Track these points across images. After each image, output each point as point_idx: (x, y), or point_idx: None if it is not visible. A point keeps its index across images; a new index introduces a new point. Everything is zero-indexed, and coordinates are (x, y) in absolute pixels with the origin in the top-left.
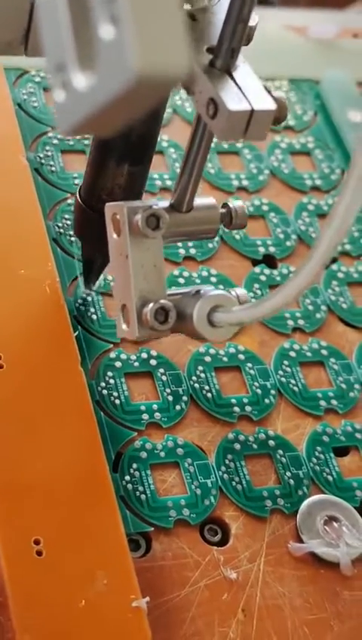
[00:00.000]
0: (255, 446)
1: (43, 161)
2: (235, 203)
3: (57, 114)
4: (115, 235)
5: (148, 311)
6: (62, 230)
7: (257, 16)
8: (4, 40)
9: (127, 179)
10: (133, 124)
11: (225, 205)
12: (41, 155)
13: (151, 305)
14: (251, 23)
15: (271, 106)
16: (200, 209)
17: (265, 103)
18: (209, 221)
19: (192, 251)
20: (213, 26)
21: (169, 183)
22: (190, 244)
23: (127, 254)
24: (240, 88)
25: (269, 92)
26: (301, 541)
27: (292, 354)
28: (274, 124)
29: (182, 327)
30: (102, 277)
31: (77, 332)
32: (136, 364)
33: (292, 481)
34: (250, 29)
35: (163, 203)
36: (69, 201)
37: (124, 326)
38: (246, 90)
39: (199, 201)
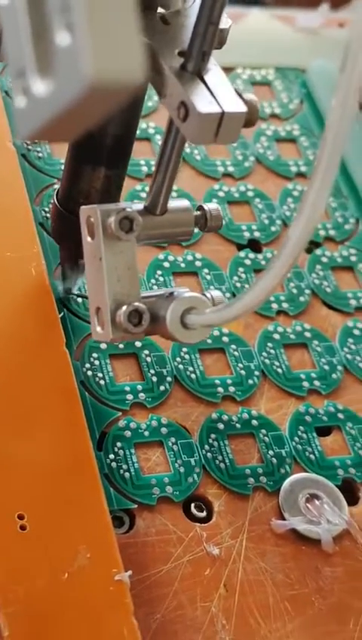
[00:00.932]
0: (238, 426)
1: (30, 147)
2: (210, 206)
3: (18, 119)
4: (89, 238)
5: (122, 313)
6: (48, 215)
7: (230, 20)
8: None
9: (104, 182)
10: (108, 128)
11: (200, 208)
12: (28, 141)
13: (124, 307)
14: (223, 25)
15: (242, 108)
16: (174, 211)
17: (235, 106)
18: (183, 224)
19: None
20: (185, 30)
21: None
22: None
23: (101, 257)
24: (211, 91)
25: (240, 95)
26: (283, 518)
27: (276, 336)
28: (245, 127)
29: (156, 329)
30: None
31: (62, 313)
32: (121, 345)
33: (274, 460)
34: (221, 31)
35: (137, 206)
36: (56, 186)
37: (98, 328)
38: (217, 93)
39: (173, 203)
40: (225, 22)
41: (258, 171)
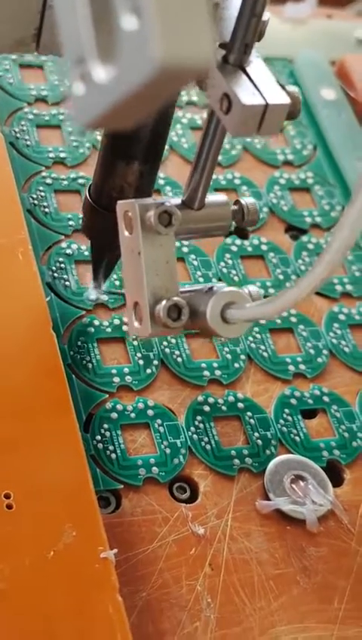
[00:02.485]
0: (224, 408)
1: (18, 135)
2: (247, 200)
3: (75, 107)
4: (126, 233)
5: (161, 308)
6: (36, 202)
7: (269, 13)
8: (16, 37)
9: (137, 177)
10: (143, 123)
11: (237, 202)
12: (17, 130)
13: (164, 302)
14: (263, 18)
15: (286, 100)
16: (211, 206)
17: (279, 98)
18: (220, 218)
19: None
20: (225, 22)
21: None
22: None
23: (140, 251)
24: (253, 83)
25: (283, 87)
26: (268, 499)
27: (262, 321)
28: (287, 119)
29: (195, 323)
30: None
31: (49, 297)
32: (109, 329)
33: (260, 442)
34: (262, 24)
35: (175, 200)
36: (44, 173)
37: (136, 323)
38: (260, 85)
39: (211, 198)
40: (264, 14)
41: (245, 159)
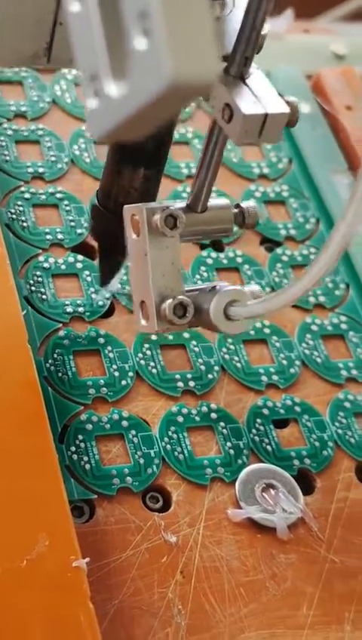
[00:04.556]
0: (197, 419)
1: None
2: (248, 203)
3: (89, 121)
4: (134, 236)
5: (167, 306)
6: (14, 216)
7: (268, 26)
8: (28, 52)
9: (143, 182)
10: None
11: (237, 206)
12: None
13: (170, 300)
14: (262, 31)
15: (285, 109)
16: (214, 209)
17: (278, 107)
18: (223, 221)
19: None
20: (226, 35)
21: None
22: None
23: (146, 253)
24: (254, 94)
25: (282, 97)
26: (239, 507)
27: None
28: (287, 126)
29: (200, 320)
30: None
31: (25, 311)
32: (85, 342)
33: (232, 451)
34: (261, 37)
35: (179, 204)
36: (22, 188)
37: (143, 321)
38: (260, 95)
39: (213, 201)
40: (264, 28)
41: (221, 173)
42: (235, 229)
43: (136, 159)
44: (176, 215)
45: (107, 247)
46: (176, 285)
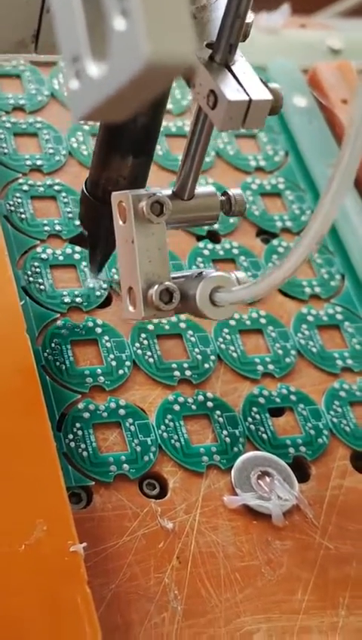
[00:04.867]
0: (194, 407)
1: None
2: (234, 191)
3: (71, 102)
4: (121, 222)
5: (154, 292)
6: (12, 208)
7: (253, 14)
8: (15, 39)
9: (131, 170)
10: (137, 118)
11: (224, 193)
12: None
13: (156, 287)
14: (247, 20)
15: (268, 96)
16: (201, 196)
17: (261, 94)
18: (209, 208)
19: None
20: (211, 23)
21: None
22: None
23: (133, 239)
24: (238, 81)
25: (265, 84)
26: (235, 494)
27: (232, 322)
28: (270, 114)
29: (186, 307)
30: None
31: (23, 301)
32: (83, 332)
33: (228, 439)
34: (246, 25)
35: (166, 191)
36: (20, 180)
37: (130, 307)
38: (244, 82)
39: (200, 189)
40: (248, 16)
41: (218, 165)
42: (231, 220)
43: (125, 148)
44: (162, 202)
45: (96, 236)
46: (163, 271)
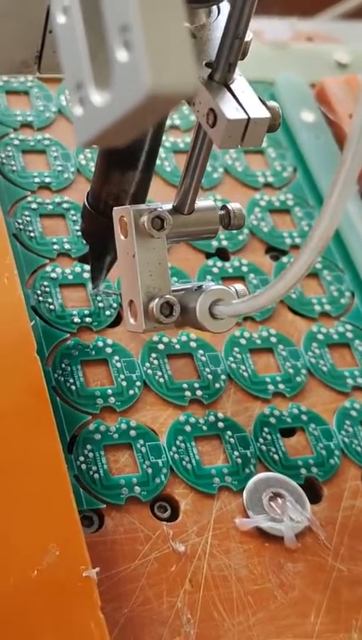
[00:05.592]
0: (205, 428)
1: (4, 160)
2: (233, 205)
3: (76, 128)
4: (122, 237)
5: (155, 305)
6: (21, 226)
7: (252, 33)
8: (18, 59)
9: (132, 185)
10: (138, 136)
11: (224, 207)
12: (2, 155)
13: (156, 300)
14: (246, 38)
15: (266, 114)
16: (201, 211)
17: (260, 112)
18: (209, 222)
19: None
20: (211, 43)
21: None
22: None
23: (134, 254)
24: (237, 99)
25: (264, 102)
26: (247, 516)
27: (243, 341)
28: (268, 131)
29: (186, 319)
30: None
31: (33, 322)
32: (93, 352)
33: (239, 460)
34: (245, 44)
35: (166, 206)
36: (29, 198)
37: (131, 320)
38: (243, 101)
39: (200, 203)
40: (247, 35)
41: (226, 182)
42: (241, 237)
43: (126, 163)
44: (163, 217)
45: (98, 249)
46: (164, 285)
